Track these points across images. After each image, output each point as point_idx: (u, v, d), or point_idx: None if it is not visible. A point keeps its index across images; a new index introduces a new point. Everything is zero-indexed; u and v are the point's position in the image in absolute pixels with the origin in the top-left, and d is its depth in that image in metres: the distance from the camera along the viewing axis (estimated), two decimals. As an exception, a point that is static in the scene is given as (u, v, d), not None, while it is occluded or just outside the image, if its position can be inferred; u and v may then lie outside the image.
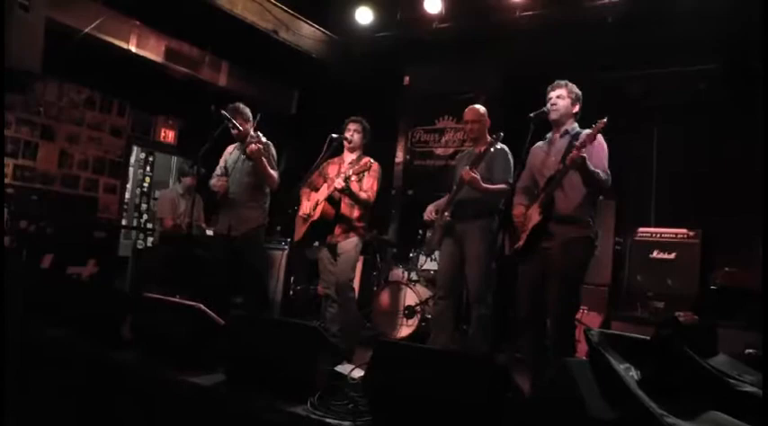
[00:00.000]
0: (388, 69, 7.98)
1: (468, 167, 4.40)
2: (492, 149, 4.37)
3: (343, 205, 4.83)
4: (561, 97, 3.86)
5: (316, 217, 4.80)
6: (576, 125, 3.89)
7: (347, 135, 4.94)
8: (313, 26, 7.94)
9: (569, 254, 3.65)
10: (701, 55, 5.93)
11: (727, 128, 5.75)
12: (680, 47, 5.94)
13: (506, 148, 4.54)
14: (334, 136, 4.88)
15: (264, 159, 4.82)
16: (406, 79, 8.14)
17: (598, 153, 3.66)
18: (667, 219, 5.72)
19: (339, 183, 4.62)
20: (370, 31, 7.79)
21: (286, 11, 7.51)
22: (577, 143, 3.53)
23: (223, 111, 4.91)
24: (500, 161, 4.51)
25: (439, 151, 7.79)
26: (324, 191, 4.84)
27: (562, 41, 6.45)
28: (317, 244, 5.09)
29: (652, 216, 6.08)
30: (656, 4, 5.97)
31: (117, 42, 6.60)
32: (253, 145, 4.77)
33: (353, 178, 4.74)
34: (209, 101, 5.28)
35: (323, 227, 4.83)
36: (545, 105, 3.87)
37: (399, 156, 8.12)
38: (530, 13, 6.71)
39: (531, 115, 3.81)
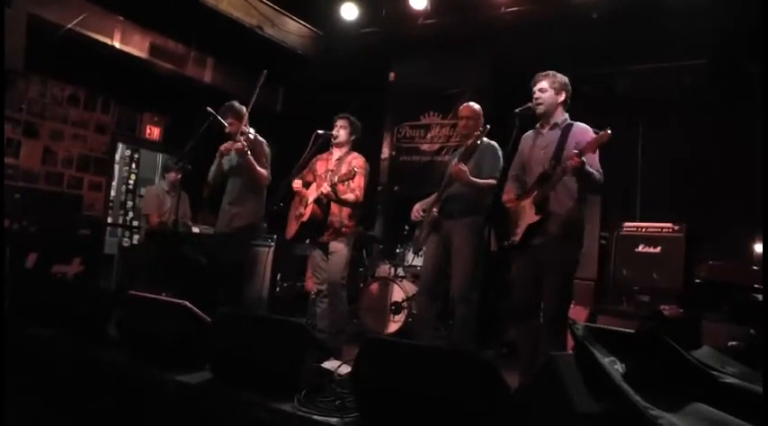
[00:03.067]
0: (373, 65, 7.97)
1: (455, 160, 4.41)
2: (479, 143, 4.39)
3: (333, 205, 4.84)
4: (543, 90, 3.85)
5: (305, 219, 4.82)
6: (566, 116, 3.88)
7: (334, 131, 4.95)
8: (298, 22, 7.92)
9: (562, 251, 3.68)
10: (687, 51, 5.96)
11: (712, 123, 5.80)
12: (666, 42, 5.97)
13: (495, 144, 4.53)
14: (319, 132, 4.88)
15: (251, 156, 4.81)
16: (392, 75, 8.15)
17: (591, 154, 3.66)
18: (652, 213, 5.76)
19: (325, 189, 4.65)
20: (356, 27, 7.78)
21: (271, 6, 7.50)
22: (576, 150, 3.52)
23: (209, 108, 4.90)
24: (489, 157, 4.50)
25: (425, 147, 7.80)
26: (312, 193, 4.85)
27: (547, 37, 6.47)
28: (308, 241, 5.10)
29: (637, 210, 6.12)
30: (640, 0, 6.00)
31: (101, 38, 6.55)
32: (238, 144, 4.78)
33: (343, 171, 4.75)
34: (194, 97, 5.28)
35: (313, 227, 4.85)
36: (530, 101, 3.87)
37: (385, 152, 8.13)
38: (515, 9, 6.73)
39: (516, 111, 3.82)
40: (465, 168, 4.33)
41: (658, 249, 5.33)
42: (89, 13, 6.32)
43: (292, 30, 7.88)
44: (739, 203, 5.16)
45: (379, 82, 8.10)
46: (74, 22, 6.15)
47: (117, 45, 6.72)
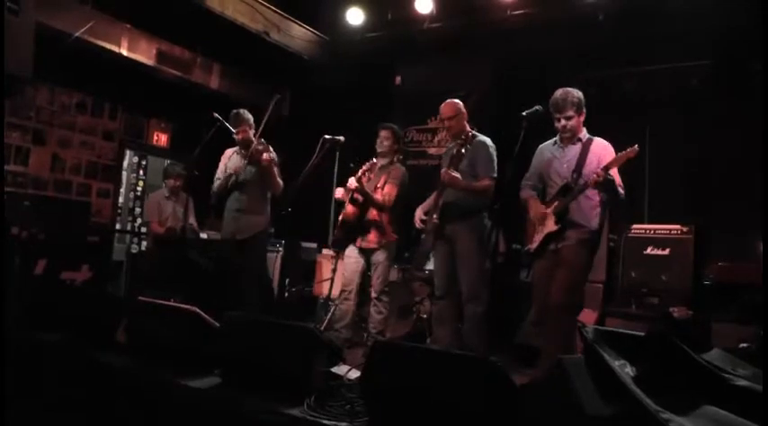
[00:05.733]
0: (379, 69, 7.97)
1: (444, 169, 4.41)
2: (471, 144, 4.34)
3: (372, 210, 5.03)
4: (570, 117, 3.88)
5: (341, 218, 5.05)
6: (584, 131, 3.96)
7: (377, 142, 5.12)
8: (304, 27, 7.94)
9: (575, 254, 3.77)
10: (694, 51, 5.94)
11: (719, 124, 5.77)
12: (672, 43, 5.96)
13: (487, 140, 4.51)
14: (326, 137, 4.91)
15: (271, 166, 4.95)
16: (398, 79, 8.14)
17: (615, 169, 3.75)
18: (661, 215, 5.74)
19: (351, 183, 4.82)
20: (361, 32, 7.79)
21: (277, 12, 7.51)
22: (602, 166, 3.63)
23: (216, 114, 4.94)
24: (482, 155, 4.46)
25: (432, 151, 7.78)
26: (345, 195, 5.06)
27: (553, 39, 6.46)
28: (351, 246, 5.24)
29: (645, 212, 6.09)
30: (647, 1, 5.99)
31: (108, 46, 6.58)
32: (265, 155, 4.89)
33: (380, 183, 4.98)
34: (201, 103, 5.30)
35: (351, 226, 5.06)
36: (537, 103, 3.87)
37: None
38: (520, 11, 6.72)
39: (524, 113, 3.83)
40: (456, 174, 4.32)
41: (667, 251, 5.30)
42: (96, 21, 6.35)
43: (298, 35, 7.90)
44: (748, 204, 5.12)
45: (385, 86, 8.10)
46: (81, 31, 6.18)
47: (124, 52, 6.75)
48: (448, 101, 4.73)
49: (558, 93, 3.92)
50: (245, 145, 5.09)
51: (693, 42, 5.84)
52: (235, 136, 5.07)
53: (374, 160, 5.13)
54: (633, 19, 6.03)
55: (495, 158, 4.47)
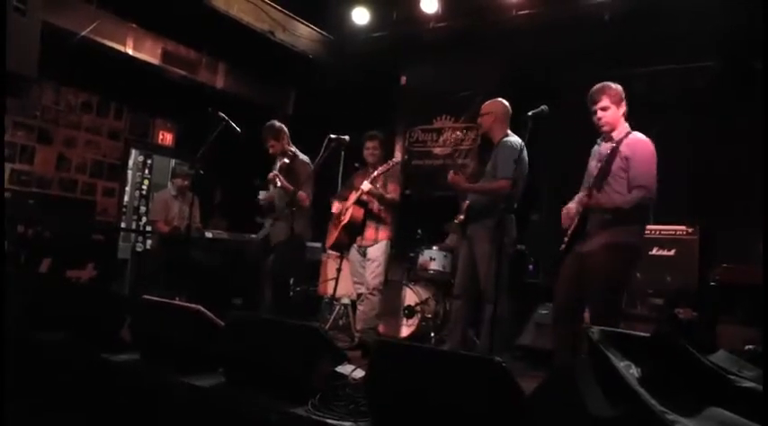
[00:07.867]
0: (384, 69, 7.97)
1: (451, 172, 4.61)
2: (499, 143, 4.44)
3: (373, 209, 5.15)
4: (606, 108, 3.69)
5: (345, 221, 5.08)
6: (623, 127, 3.76)
7: (366, 154, 5.27)
8: (309, 26, 7.94)
9: (599, 265, 3.58)
10: (700, 52, 5.92)
11: (725, 124, 5.74)
12: (678, 44, 5.93)
13: (514, 142, 4.41)
14: (332, 136, 4.91)
15: (285, 183, 5.02)
16: (403, 79, 8.14)
17: (641, 161, 3.60)
18: (666, 216, 5.71)
19: (366, 186, 4.94)
20: (367, 31, 7.80)
21: (282, 11, 7.51)
22: (596, 184, 3.56)
23: (221, 113, 4.96)
24: (502, 155, 4.42)
25: (437, 151, 7.77)
26: (352, 196, 5.13)
27: (559, 40, 6.45)
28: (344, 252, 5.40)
29: (651, 213, 6.06)
30: (652, 1, 5.97)
31: (113, 45, 6.59)
32: (270, 174, 5.09)
33: (378, 183, 5.08)
34: (206, 103, 5.32)
35: (354, 229, 5.16)
36: (543, 103, 3.83)
37: (397, 156, 8.08)
38: (526, 11, 6.71)
39: (529, 114, 3.80)
40: (458, 177, 4.53)
41: (672, 252, 5.29)
42: (102, 20, 6.37)
43: (303, 34, 7.89)
44: (754, 205, 5.10)
45: (391, 86, 8.09)
46: (87, 30, 6.19)
47: (129, 52, 6.76)
48: (496, 99, 4.73)
49: (596, 86, 3.75)
50: (277, 156, 5.31)
51: (699, 43, 5.82)
52: (270, 150, 5.29)
53: (394, 160, 5.27)
54: (638, 19, 6.01)
55: (515, 159, 4.22)
